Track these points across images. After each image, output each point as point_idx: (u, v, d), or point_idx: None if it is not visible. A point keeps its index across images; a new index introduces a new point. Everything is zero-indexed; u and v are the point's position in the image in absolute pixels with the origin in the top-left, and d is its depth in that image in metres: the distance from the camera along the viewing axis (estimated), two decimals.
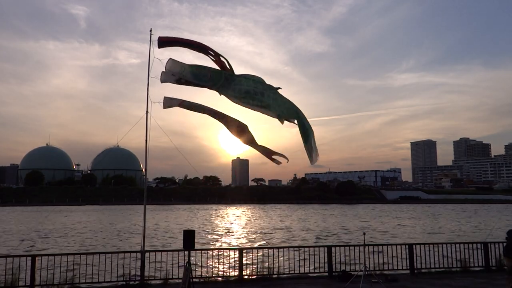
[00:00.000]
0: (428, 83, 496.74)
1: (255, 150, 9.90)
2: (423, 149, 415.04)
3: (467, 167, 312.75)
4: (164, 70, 9.58)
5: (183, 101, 9.92)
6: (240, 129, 9.82)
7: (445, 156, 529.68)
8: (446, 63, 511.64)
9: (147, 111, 11.02)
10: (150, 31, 10.58)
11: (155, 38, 9.97)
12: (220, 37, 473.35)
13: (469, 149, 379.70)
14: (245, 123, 9.85)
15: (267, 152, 9.83)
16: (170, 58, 9.48)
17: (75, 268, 12.24)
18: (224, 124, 9.87)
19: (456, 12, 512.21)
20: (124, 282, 11.60)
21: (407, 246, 13.72)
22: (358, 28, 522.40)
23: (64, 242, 32.74)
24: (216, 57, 9.52)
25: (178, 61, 9.57)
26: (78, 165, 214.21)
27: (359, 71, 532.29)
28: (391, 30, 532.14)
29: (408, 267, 13.38)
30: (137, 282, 11.52)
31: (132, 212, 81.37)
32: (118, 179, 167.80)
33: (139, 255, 11.53)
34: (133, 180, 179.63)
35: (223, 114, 9.90)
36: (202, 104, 10.02)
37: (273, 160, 9.79)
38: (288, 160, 9.74)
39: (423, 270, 13.47)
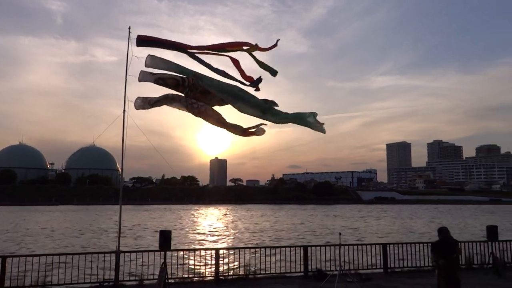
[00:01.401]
0: (405, 85, 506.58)
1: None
2: (398, 151, 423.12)
3: (440, 168, 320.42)
4: (143, 69, 9.44)
5: (157, 100, 9.65)
6: (208, 112, 9.71)
7: (419, 157, 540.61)
8: (423, 66, 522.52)
9: (124, 110, 10.89)
10: (129, 28, 10.46)
11: (133, 36, 9.85)
12: (199, 36, 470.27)
13: (442, 151, 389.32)
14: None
15: (240, 130, 9.75)
16: (149, 54, 9.34)
17: (48, 269, 11.98)
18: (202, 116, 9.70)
19: (433, 17, 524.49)
20: (98, 284, 11.43)
21: (381, 246, 14.01)
22: (337, 30, 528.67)
23: (36, 243, 31.93)
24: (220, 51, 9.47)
25: (158, 57, 9.43)
26: (52, 164, 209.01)
27: (339, 73, 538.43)
28: (370, 33, 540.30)
29: (382, 266, 13.65)
30: (111, 283, 11.37)
31: (108, 212, 80.00)
32: (93, 179, 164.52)
33: (114, 255, 11.38)
34: (109, 180, 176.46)
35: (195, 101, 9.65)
36: (173, 93, 9.68)
37: (251, 134, 9.68)
38: (264, 132, 9.64)
39: (396, 269, 13.76)
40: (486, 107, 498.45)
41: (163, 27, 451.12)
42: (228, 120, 9.78)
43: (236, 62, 9.64)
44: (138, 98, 9.59)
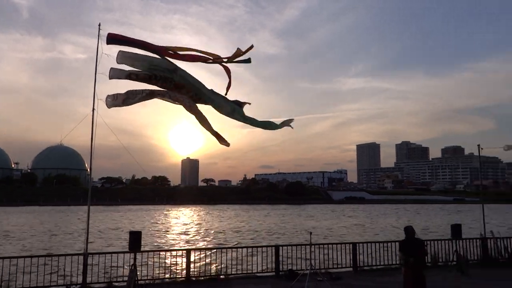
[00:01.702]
0: (374, 88, 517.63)
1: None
2: (368, 152, 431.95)
3: (408, 169, 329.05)
4: (113, 66, 9.19)
5: (126, 97, 9.34)
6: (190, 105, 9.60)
7: (388, 158, 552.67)
8: (392, 69, 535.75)
9: (93, 108, 10.65)
10: (99, 25, 10.22)
11: (103, 33, 9.61)
12: (172, 35, 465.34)
13: (409, 152, 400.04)
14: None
15: (215, 133, 9.69)
16: (120, 50, 9.07)
17: (12, 272, 11.55)
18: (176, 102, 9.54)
19: (403, 21, 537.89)
20: (65, 286, 11.14)
21: (351, 245, 14.26)
22: (310, 32, 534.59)
23: (0, 245, 30.77)
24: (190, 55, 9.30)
25: (130, 52, 9.19)
26: (17, 163, 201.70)
27: (310, 74, 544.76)
28: (341, 35, 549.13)
29: (352, 265, 13.89)
30: (78, 285, 11.09)
31: (76, 213, 77.95)
32: (61, 179, 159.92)
33: (81, 257, 11.11)
34: (77, 180, 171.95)
35: (164, 92, 9.42)
36: (146, 89, 9.40)
37: (220, 140, 9.64)
38: (229, 145, 9.65)
39: (365, 268, 14.03)
40: (451, 109, 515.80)
41: (135, 25, 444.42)
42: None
43: (228, 71, 9.50)
44: (109, 96, 9.31)
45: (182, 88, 9.31)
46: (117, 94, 9.33)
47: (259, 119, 9.76)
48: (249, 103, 9.66)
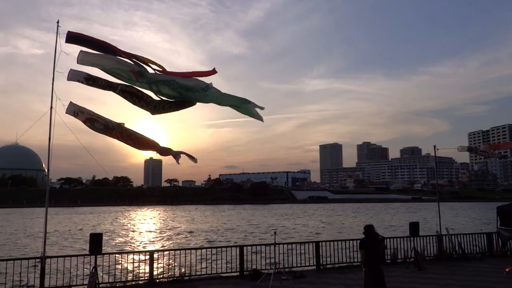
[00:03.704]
0: (337, 89, 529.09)
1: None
2: (331, 152, 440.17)
3: (368, 169, 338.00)
4: (73, 67, 8.86)
5: (88, 119, 9.16)
6: (147, 145, 9.51)
7: (350, 158, 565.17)
8: (354, 71, 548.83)
9: (51, 107, 10.29)
10: (57, 22, 9.87)
11: (62, 30, 9.29)
12: (134, 32, 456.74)
13: (370, 152, 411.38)
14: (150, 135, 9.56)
15: (158, 149, 9.48)
16: (82, 50, 8.80)
17: None
18: (131, 145, 9.48)
19: (365, 24, 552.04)
20: None
21: (313, 244, 14.50)
22: (274, 33, 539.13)
23: None
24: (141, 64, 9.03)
25: (93, 53, 8.91)
26: None
27: (274, 75, 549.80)
28: (305, 37, 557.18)
29: (315, 264, 14.13)
30: None
31: (32, 215, 74.89)
32: (16, 180, 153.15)
33: (39, 261, 10.70)
34: (34, 181, 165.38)
35: (130, 132, 9.41)
36: (109, 119, 9.34)
37: (167, 154, 9.51)
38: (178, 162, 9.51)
39: (328, 266, 14.30)
40: (409, 111, 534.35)
41: (95, 20, 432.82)
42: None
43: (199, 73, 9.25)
44: (72, 104, 9.10)
45: (142, 99, 9.05)
46: (81, 109, 9.13)
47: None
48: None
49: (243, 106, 9.17)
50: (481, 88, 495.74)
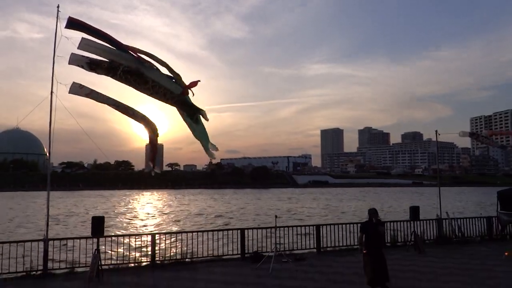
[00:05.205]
0: (339, 74, 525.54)
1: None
2: (332, 137, 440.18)
3: (370, 153, 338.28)
4: (74, 51, 8.77)
5: (92, 91, 9.24)
6: (144, 121, 9.58)
7: (351, 143, 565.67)
8: (355, 56, 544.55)
9: (52, 91, 10.26)
10: (58, 7, 9.78)
11: (62, 15, 9.18)
12: (134, 16, 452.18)
13: (371, 137, 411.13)
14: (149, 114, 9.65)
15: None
16: (83, 37, 8.68)
17: None
18: (130, 116, 9.56)
19: (367, 7, 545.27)
20: (25, 273, 10.83)
21: (314, 227, 14.60)
22: (275, 17, 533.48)
23: None
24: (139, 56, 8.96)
25: (94, 41, 8.79)
26: None
27: (276, 60, 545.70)
28: (306, 21, 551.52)
29: (316, 247, 14.24)
30: (39, 272, 10.81)
31: (35, 198, 75.40)
32: (17, 164, 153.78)
33: (42, 243, 10.81)
34: (36, 165, 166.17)
35: (127, 106, 9.48)
36: (109, 96, 9.43)
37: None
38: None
39: (328, 249, 14.42)
40: (411, 96, 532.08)
41: (95, 4, 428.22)
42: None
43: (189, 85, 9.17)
44: (75, 83, 9.10)
45: (144, 84, 8.99)
46: (84, 86, 9.15)
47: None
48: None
49: (205, 142, 9.63)
50: (484, 73, 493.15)
